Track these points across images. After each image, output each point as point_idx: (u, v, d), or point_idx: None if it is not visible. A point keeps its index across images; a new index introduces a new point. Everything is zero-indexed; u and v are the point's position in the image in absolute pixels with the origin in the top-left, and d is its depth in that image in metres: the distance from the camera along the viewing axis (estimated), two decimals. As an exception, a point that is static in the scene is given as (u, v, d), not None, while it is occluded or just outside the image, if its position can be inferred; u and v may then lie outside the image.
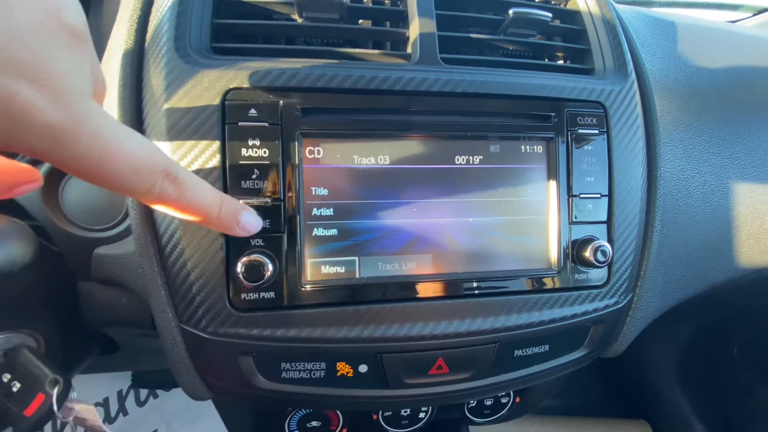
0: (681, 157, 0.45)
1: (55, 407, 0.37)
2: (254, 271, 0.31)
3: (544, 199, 0.38)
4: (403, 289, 0.35)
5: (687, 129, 0.47)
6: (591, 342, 0.40)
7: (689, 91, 0.49)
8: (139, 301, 0.43)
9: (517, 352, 0.38)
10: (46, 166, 0.40)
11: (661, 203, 0.42)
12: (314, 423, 0.48)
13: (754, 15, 0.92)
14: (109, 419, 1.16)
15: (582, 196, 0.38)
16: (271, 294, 0.33)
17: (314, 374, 0.35)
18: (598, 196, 0.39)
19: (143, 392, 1.23)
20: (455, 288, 0.36)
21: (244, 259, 0.31)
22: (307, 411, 0.47)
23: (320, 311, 0.33)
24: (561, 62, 0.44)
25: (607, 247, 0.37)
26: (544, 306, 0.37)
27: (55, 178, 0.40)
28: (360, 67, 0.34)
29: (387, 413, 0.50)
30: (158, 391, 1.25)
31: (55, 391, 0.37)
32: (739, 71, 0.53)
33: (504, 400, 0.53)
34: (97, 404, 1.18)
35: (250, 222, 0.28)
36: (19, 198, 0.40)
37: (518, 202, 0.38)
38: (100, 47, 0.39)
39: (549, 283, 0.38)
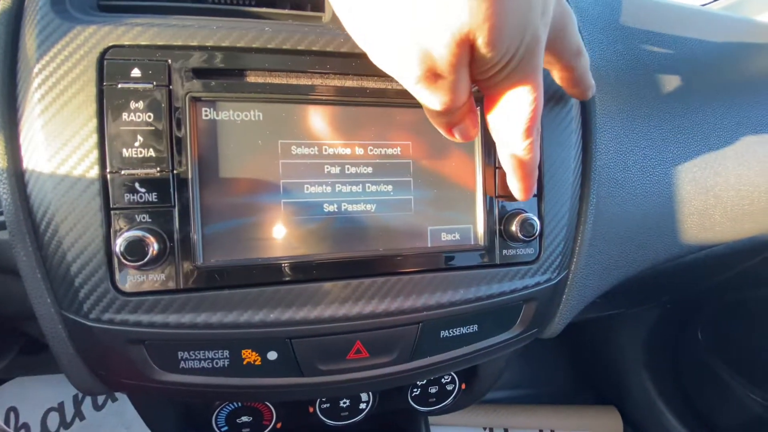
0: (619, 129, 0.44)
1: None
2: (136, 249, 0.28)
3: (470, 171, 0.36)
4: (313, 269, 0.32)
5: (626, 101, 0.45)
6: (524, 321, 0.38)
7: (631, 64, 0.48)
8: None
9: (443, 333, 0.35)
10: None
11: (597, 176, 0.40)
12: (245, 418, 0.45)
13: (722, -2, 0.93)
14: (64, 424, 1.11)
15: (509, 167, 0.36)
16: (161, 275, 0.29)
17: (217, 363, 0.31)
18: (527, 167, 0.37)
19: (101, 397, 1.18)
20: (371, 266, 0.33)
21: (126, 235, 0.28)
22: (236, 405, 0.44)
23: (219, 294, 0.30)
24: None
25: (535, 220, 0.35)
26: (471, 283, 0.35)
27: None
28: (259, 24, 0.31)
29: (324, 405, 0.47)
30: (117, 395, 1.19)
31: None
32: (684, 46, 0.52)
33: (449, 388, 0.51)
34: (51, 409, 1.12)
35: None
36: None
37: (441, 174, 0.35)
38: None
39: (474, 259, 0.36)
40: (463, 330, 0.36)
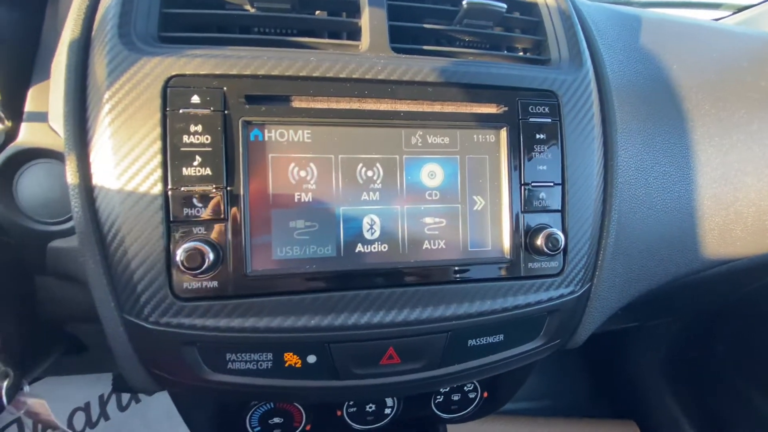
0: (639, 147, 0.45)
1: (4, 399, 0.36)
2: (194, 259, 0.30)
3: (497, 187, 0.38)
4: (351, 278, 0.34)
5: (646, 120, 0.47)
6: (548, 332, 0.40)
7: (650, 83, 0.49)
8: None
9: (471, 342, 0.37)
10: (0, 159, 0.39)
11: (619, 193, 0.42)
12: (276, 419, 0.47)
13: (734, 13, 0.93)
14: (90, 424, 1.14)
15: (534, 184, 0.38)
16: (214, 283, 0.32)
17: (261, 365, 0.34)
18: (551, 184, 0.39)
19: (125, 397, 1.21)
20: (405, 277, 0.35)
21: (185, 246, 0.31)
22: (269, 407, 0.46)
23: (265, 300, 0.33)
24: (519, 54, 0.44)
25: (559, 235, 0.37)
26: (497, 294, 0.37)
27: (9, 171, 0.40)
28: (305, 54, 0.34)
29: (351, 409, 0.49)
30: (141, 396, 1.23)
31: (4, 384, 0.37)
32: (702, 63, 0.53)
33: (472, 396, 0.52)
34: (78, 409, 1.16)
35: None
36: None
37: (470, 191, 0.37)
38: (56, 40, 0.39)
39: (502, 271, 0.37)
40: (490, 339, 0.38)
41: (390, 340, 0.35)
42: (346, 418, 0.49)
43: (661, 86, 0.50)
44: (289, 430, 0.48)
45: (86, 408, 1.18)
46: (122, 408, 1.20)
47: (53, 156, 0.39)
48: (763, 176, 0.51)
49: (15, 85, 0.40)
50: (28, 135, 0.39)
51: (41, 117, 0.39)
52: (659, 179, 0.46)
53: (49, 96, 0.39)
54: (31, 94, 0.40)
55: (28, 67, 0.41)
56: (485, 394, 0.52)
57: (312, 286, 0.34)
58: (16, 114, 0.40)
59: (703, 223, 0.48)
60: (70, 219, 0.40)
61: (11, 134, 0.40)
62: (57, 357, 0.58)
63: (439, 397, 0.52)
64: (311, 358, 0.35)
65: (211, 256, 0.31)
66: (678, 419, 1.23)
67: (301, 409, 0.47)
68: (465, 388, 0.52)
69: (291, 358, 0.34)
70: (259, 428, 0.48)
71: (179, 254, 0.31)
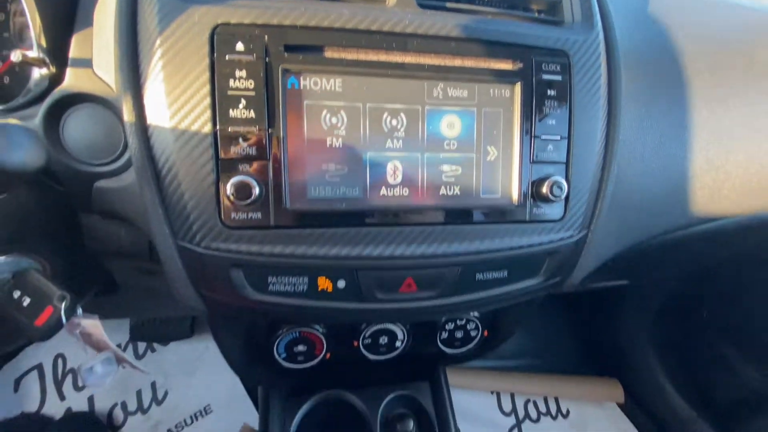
0: (641, 108, 0.49)
1: (63, 319, 0.41)
2: (242, 190, 0.35)
3: (509, 139, 0.42)
4: (376, 216, 0.39)
5: (649, 83, 0.50)
6: (547, 271, 0.45)
7: (654, 49, 0.52)
8: (137, 232, 0.47)
9: (479, 276, 0.42)
10: (47, 103, 0.42)
11: (619, 149, 0.46)
12: (300, 347, 0.53)
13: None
14: (108, 371, 1.21)
15: (543, 137, 0.42)
16: (258, 214, 0.37)
17: (298, 288, 0.39)
18: (558, 138, 0.42)
19: (141, 346, 1.28)
20: (423, 216, 0.40)
21: (234, 180, 0.35)
22: (294, 335, 0.52)
23: (302, 231, 0.37)
24: (535, 14, 0.46)
25: (563, 183, 0.41)
26: (504, 235, 0.42)
27: (56, 114, 0.43)
28: (338, 7, 0.37)
29: (366, 341, 0.55)
30: (156, 346, 1.30)
31: (63, 305, 0.41)
32: (706, 33, 0.56)
33: (473, 334, 0.58)
34: (97, 356, 1.23)
35: None
36: (28, 165, 0.43)
37: (485, 142, 0.41)
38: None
39: (509, 215, 0.42)
40: (495, 274, 0.43)
41: (408, 270, 0.40)
42: (362, 349, 0.55)
43: (665, 53, 0.53)
44: (311, 358, 0.54)
45: (105, 355, 1.25)
46: (139, 356, 1.28)
47: (98, 101, 0.42)
48: (753, 141, 0.55)
49: (59, 32, 0.42)
50: (73, 80, 0.41)
51: (85, 63, 0.42)
52: (656, 139, 0.49)
53: (93, 42, 0.42)
54: (75, 40, 0.42)
55: (71, 14, 0.43)
56: (485, 333, 0.58)
57: (342, 221, 0.38)
58: (61, 60, 0.42)
59: (694, 181, 0.52)
60: (115, 161, 0.44)
61: (56, 80, 0.43)
62: (91, 296, 0.63)
63: (444, 333, 0.57)
64: (341, 283, 0.40)
65: (257, 190, 0.35)
66: (658, 378, 1.32)
67: (323, 339, 0.53)
68: (468, 326, 0.57)
69: (324, 282, 0.39)
70: (285, 355, 0.53)
71: (228, 187, 0.35)
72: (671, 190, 0.51)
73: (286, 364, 0.54)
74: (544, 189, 0.41)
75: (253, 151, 0.36)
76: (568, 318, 1.52)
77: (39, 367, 1.20)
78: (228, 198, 0.35)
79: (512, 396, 1.36)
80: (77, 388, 1.18)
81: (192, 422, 1.18)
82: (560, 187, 0.41)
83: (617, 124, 0.46)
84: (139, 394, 1.20)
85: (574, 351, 1.50)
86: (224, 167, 0.36)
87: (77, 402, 1.15)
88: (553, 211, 0.43)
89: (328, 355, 0.54)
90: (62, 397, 1.16)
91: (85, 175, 0.43)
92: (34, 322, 0.41)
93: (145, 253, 0.49)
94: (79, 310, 0.45)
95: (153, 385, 1.22)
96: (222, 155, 0.36)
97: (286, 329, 0.51)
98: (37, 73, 0.42)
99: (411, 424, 0.75)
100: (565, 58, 0.42)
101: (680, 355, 1.27)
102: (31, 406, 1.14)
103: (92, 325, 0.44)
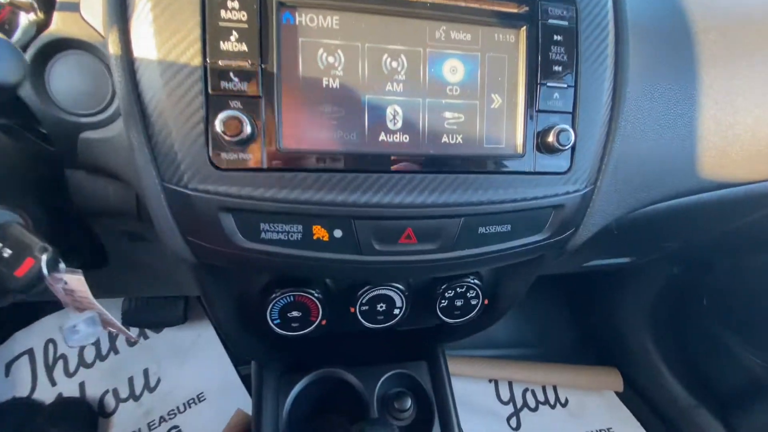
0: (648, 64, 0.47)
1: (44, 270, 0.39)
2: (232, 126, 0.33)
3: (514, 86, 0.40)
4: (374, 161, 0.37)
5: (657, 39, 0.48)
6: (552, 226, 0.43)
7: (665, 7, 0.51)
8: (125, 189, 0.45)
9: (481, 229, 0.41)
10: (33, 48, 0.40)
11: (626, 102, 0.44)
12: (295, 313, 0.51)
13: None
14: (100, 357, 1.20)
15: (549, 85, 0.40)
16: (249, 156, 0.35)
17: (292, 236, 0.37)
18: (564, 86, 0.41)
19: (134, 333, 1.26)
20: (424, 164, 0.38)
21: (223, 115, 0.33)
22: (289, 299, 0.50)
23: (297, 175, 0.36)
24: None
25: (570, 131, 0.39)
26: (508, 187, 0.40)
27: (42, 61, 0.41)
28: None
29: (364, 307, 0.53)
30: (148, 332, 1.28)
31: (44, 257, 0.39)
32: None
33: (474, 302, 0.56)
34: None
35: None
36: (5, 79, 0.41)
37: (488, 89, 0.40)
38: None
39: (513, 165, 0.40)
40: (499, 228, 0.41)
41: (408, 220, 0.38)
42: (359, 316, 0.53)
43: (674, 12, 0.52)
44: (306, 324, 0.52)
45: (96, 342, 1.23)
46: (131, 343, 1.25)
47: (85, 48, 0.40)
48: (761, 105, 0.53)
49: (45, -24, 0.40)
50: (59, 24, 0.40)
51: (73, 7, 0.40)
52: (664, 95, 0.48)
53: (81, -15, 0.40)
54: (62, -16, 0.40)
55: None
56: (486, 302, 0.57)
57: (339, 166, 0.36)
58: (49, 5, 0.40)
59: (702, 141, 0.51)
60: (101, 111, 0.42)
61: (43, 27, 0.41)
62: (79, 264, 0.61)
63: (443, 301, 0.56)
64: (337, 233, 0.38)
65: (248, 128, 0.33)
66: (657, 365, 1.31)
67: (318, 304, 0.51)
68: (468, 294, 0.55)
69: (319, 231, 0.37)
70: (278, 321, 0.51)
71: (217, 123, 0.33)
72: (679, 149, 0.50)
73: (279, 331, 0.52)
74: (550, 138, 0.39)
75: (244, 87, 0.34)
76: (566, 306, 1.51)
77: (30, 352, 1.18)
78: (217, 135, 0.33)
79: (510, 385, 1.35)
80: (68, 374, 1.16)
81: (185, 410, 1.16)
82: (567, 136, 0.39)
83: (624, 78, 0.44)
84: (131, 380, 1.18)
85: (572, 339, 1.49)
86: (214, 103, 0.34)
87: (68, 388, 1.14)
88: (559, 162, 0.41)
89: (324, 322, 0.52)
90: (53, 383, 1.14)
91: (71, 126, 0.41)
92: (14, 272, 0.39)
93: (133, 212, 0.47)
94: (62, 265, 0.43)
95: (146, 372, 1.20)
96: (211, 91, 0.34)
97: (280, 293, 0.49)
98: (25, 19, 0.40)
99: (409, 402, 0.74)
100: (572, 3, 0.41)
101: (680, 342, 1.26)
102: (22, 391, 1.12)
103: (76, 280, 0.42)
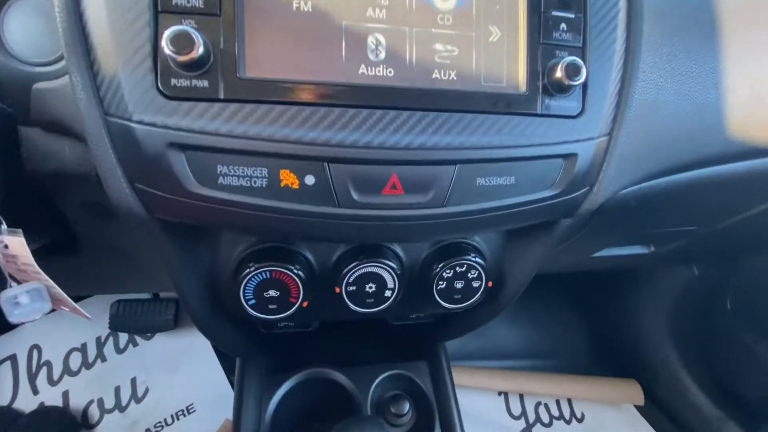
0: (665, 8, 0.42)
1: (-21, 229, 0.34)
2: (182, 43, 0.28)
3: (514, 16, 0.35)
4: (353, 94, 0.32)
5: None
6: (563, 181, 0.37)
7: None
8: (81, 149, 0.41)
9: (480, 181, 0.35)
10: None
11: (644, 41, 0.39)
12: (272, 292, 0.45)
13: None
14: (86, 365, 1.14)
15: (554, 14, 0.35)
16: (204, 82, 0.30)
17: (255, 182, 0.31)
18: (572, 16, 0.36)
19: (123, 340, 1.21)
20: (411, 99, 0.33)
21: (172, 29, 0.28)
22: (264, 276, 0.44)
23: (259, 107, 0.30)
24: None
25: (580, 63, 0.34)
26: (510, 130, 0.34)
27: (-6, 6, 0.37)
28: None
29: (351, 288, 0.47)
30: (138, 339, 1.22)
31: (-20, 214, 0.34)
32: None
33: (476, 285, 0.50)
34: (74, 349, 1.16)
35: None
36: None
37: (485, 20, 0.35)
38: None
39: (516, 106, 0.35)
40: (500, 180, 0.35)
41: (393, 166, 0.33)
42: (345, 297, 0.47)
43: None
44: (285, 306, 0.46)
45: (83, 349, 1.18)
46: (120, 350, 1.20)
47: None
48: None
49: None
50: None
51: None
52: (684, 41, 0.42)
53: None
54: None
55: None
56: (490, 284, 0.50)
57: (309, 98, 0.31)
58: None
59: (727, 96, 0.45)
60: (56, 61, 0.38)
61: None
62: (43, 245, 0.56)
63: (441, 283, 0.49)
64: (309, 179, 0.32)
65: (201, 48, 0.28)
66: (680, 376, 1.21)
67: (298, 282, 0.45)
68: (469, 275, 0.49)
69: (287, 177, 0.32)
70: (253, 301, 0.45)
71: (165, 40, 0.28)
72: (703, 103, 0.44)
73: (254, 313, 0.45)
74: (558, 73, 0.34)
75: (199, 3, 0.29)
76: (579, 313, 1.42)
77: (12, 358, 1.13)
78: (166, 58, 0.28)
79: (521, 398, 1.26)
80: (52, 382, 1.11)
81: (173, 422, 1.10)
82: (577, 69, 0.33)
83: (639, 9, 0.39)
84: (117, 390, 1.12)
85: (586, 349, 1.39)
86: (163, 21, 0.29)
87: (51, 397, 1.08)
88: (569, 104, 0.36)
89: (305, 304, 0.46)
90: (35, 391, 1.09)
91: (25, 76, 0.37)
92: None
93: (91, 175, 0.42)
94: (4, 226, 0.38)
95: (133, 381, 1.14)
96: (161, 6, 0.29)
97: (255, 267, 0.43)
98: None
99: (407, 406, 0.66)
100: None
101: (703, 349, 1.17)
102: (2, 400, 1.07)
103: (17, 242, 0.37)
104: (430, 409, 0.67)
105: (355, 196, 0.33)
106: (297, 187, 0.32)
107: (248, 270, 0.44)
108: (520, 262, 0.51)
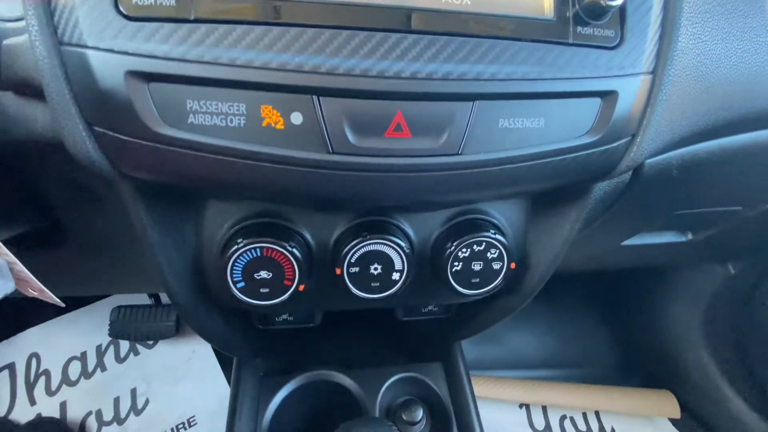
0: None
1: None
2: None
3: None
4: (349, 13, 0.27)
5: None
6: (601, 126, 0.31)
7: None
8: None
9: (503, 122, 0.29)
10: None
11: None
12: (263, 273, 0.40)
13: None
14: (86, 374, 1.10)
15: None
16: (171, 0, 0.25)
17: (232, 121, 0.26)
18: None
19: (124, 348, 1.17)
20: (417, 20, 0.27)
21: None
22: (254, 254, 0.39)
23: (235, 28, 0.25)
24: None
25: None
26: (541, 60, 0.29)
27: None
28: None
29: (353, 269, 0.41)
30: (140, 348, 1.18)
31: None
32: None
33: (496, 266, 0.44)
34: (74, 358, 1.12)
35: None
36: None
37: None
38: None
39: (544, 33, 0.29)
40: (527, 122, 0.29)
41: (397, 101, 0.27)
42: (347, 280, 0.41)
43: None
44: (279, 290, 0.40)
45: (82, 358, 1.14)
46: (120, 359, 1.15)
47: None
48: None
49: None
50: None
51: None
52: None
53: None
54: None
55: None
56: (513, 265, 0.44)
57: (296, 18, 0.26)
58: None
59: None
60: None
61: None
62: (24, 234, 0.51)
63: (456, 264, 0.43)
64: (296, 117, 0.27)
65: (166, -44, 0.24)
66: (720, 386, 1.11)
67: (293, 262, 0.39)
68: (489, 254, 0.43)
69: (270, 115, 0.26)
70: (243, 284, 0.40)
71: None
72: (755, 47, 0.38)
73: (243, 298, 0.40)
74: None
75: None
76: (605, 319, 1.33)
77: (11, 367, 1.10)
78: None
79: (544, 410, 1.16)
80: (50, 392, 1.07)
81: None
82: (614, -12, 0.28)
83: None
84: (116, 402, 1.08)
85: (614, 357, 1.29)
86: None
87: (48, 407, 1.05)
88: (605, 33, 0.30)
89: (302, 287, 0.40)
90: (33, 402, 1.05)
91: None
92: None
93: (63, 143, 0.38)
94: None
95: (133, 392, 1.10)
96: None
97: (243, 244, 0.38)
98: None
99: (420, 412, 0.59)
100: None
101: (743, 356, 1.07)
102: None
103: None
104: (446, 417, 0.60)
105: (351, 138, 0.27)
106: (282, 127, 0.26)
107: (236, 247, 0.38)
108: (546, 240, 0.45)
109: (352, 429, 0.43)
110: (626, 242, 0.66)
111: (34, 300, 0.42)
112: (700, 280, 1.10)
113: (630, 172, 0.43)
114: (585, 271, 0.85)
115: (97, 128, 0.27)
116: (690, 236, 0.69)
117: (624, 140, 0.33)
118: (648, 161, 0.42)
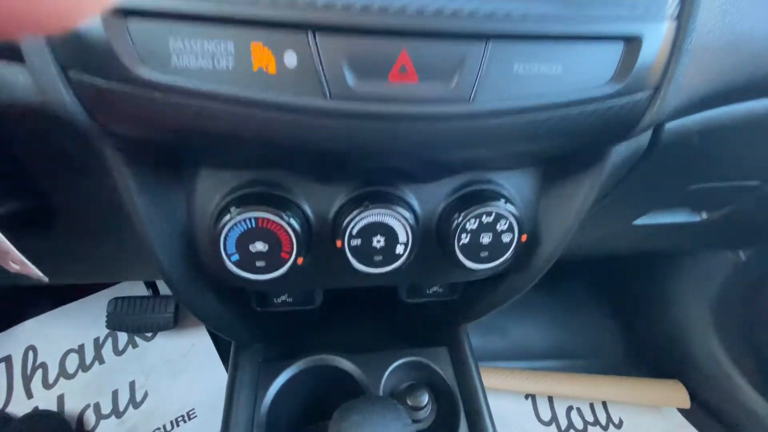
0: None
1: None
2: None
3: None
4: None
5: None
6: (622, 74, 0.28)
7: None
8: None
9: (518, 67, 0.26)
10: None
11: None
12: (258, 245, 0.37)
13: None
14: (83, 367, 1.08)
15: None
16: None
17: (219, 62, 0.24)
18: None
19: (122, 341, 1.15)
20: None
21: None
22: (249, 225, 0.36)
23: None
24: None
25: None
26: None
27: None
28: None
29: (355, 241, 0.38)
30: (138, 340, 1.17)
31: None
32: None
33: (506, 239, 0.41)
34: (71, 350, 1.10)
35: None
36: None
37: None
38: None
39: (561, -32, 0.27)
40: (544, 68, 0.27)
41: (402, 38, 0.24)
42: (348, 253, 0.39)
43: None
44: (275, 263, 0.38)
45: (80, 350, 1.12)
46: (119, 352, 1.14)
47: None
48: None
49: None
50: None
51: None
52: None
53: None
54: None
55: None
56: (524, 238, 0.41)
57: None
58: None
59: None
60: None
61: None
62: (11, 213, 0.49)
63: (464, 236, 0.40)
64: (290, 58, 0.24)
65: None
66: (731, 376, 1.09)
67: (290, 233, 0.37)
68: (498, 226, 0.40)
69: (261, 55, 0.24)
70: (237, 256, 0.37)
71: None
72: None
73: (238, 271, 0.37)
74: None
75: None
76: (613, 308, 1.30)
77: (7, 360, 1.08)
78: None
79: (551, 401, 1.14)
80: (47, 385, 1.06)
81: (172, 428, 1.03)
82: None
83: None
84: (115, 394, 1.06)
85: (621, 347, 1.27)
86: None
87: (45, 401, 1.03)
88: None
89: (300, 261, 0.38)
90: (30, 395, 1.04)
91: None
92: None
93: (45, 108, 0.35)
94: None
95: (132, 384, 1.08)
96: None
97: (237, 213, 0.36)
98: None
99: (426, 398, 0.56)
100: None
101: (755, 344, 1.04)
102: (-4, 403, 1.01)
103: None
104: (453, 402, 0.57)
105: (351, 82, 0.25)
106: (274, 70, 0.24)
107: (229, 216, 0.36)
108: (558, 212, 0.42)
109: (353, 408, 0.41)
110: (638, 221, 0.64)
111: (31, 292, 0.40)
112: (709, 267, 1.07)
113: (648, 139, 0.40)
114: (594, 255, 0.82)
115: (72, 73, 0.24)
116: (704, 215, 0.66)
117: (647, 92, 0.30)
118: (668, 126, 0.39)
